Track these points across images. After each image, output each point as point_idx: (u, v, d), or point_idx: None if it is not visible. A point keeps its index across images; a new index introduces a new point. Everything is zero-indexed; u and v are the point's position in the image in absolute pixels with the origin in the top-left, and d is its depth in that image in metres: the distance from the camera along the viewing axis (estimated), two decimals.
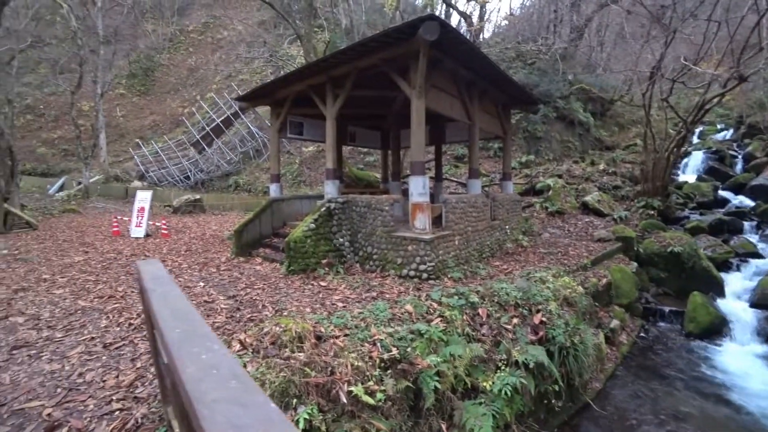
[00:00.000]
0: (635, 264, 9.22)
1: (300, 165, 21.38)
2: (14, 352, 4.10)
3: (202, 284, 6.23)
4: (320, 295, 5.69)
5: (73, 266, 7.62)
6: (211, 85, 33.50)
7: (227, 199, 19.11)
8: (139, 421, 2.98)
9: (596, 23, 24.55)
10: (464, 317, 4.80)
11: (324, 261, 7.15)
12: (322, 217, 7.37)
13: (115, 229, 11.19)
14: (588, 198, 12.60)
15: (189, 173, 22.44)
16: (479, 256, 7.72)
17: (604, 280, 7.75)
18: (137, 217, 10.98)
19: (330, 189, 7.98)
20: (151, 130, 31.41)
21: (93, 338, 4.33)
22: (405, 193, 11.07)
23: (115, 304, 5.39)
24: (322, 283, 6.33)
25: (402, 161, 13.39)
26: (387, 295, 5.55)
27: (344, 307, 5.09)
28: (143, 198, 11.24)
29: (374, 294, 5.67)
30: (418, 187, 6.39)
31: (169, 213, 16.14)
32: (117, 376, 3.56)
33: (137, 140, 27.85)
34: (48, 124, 32.01)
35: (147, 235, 10.80)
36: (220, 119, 24.79)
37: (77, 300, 5.62)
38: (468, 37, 15.85)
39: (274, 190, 9.74)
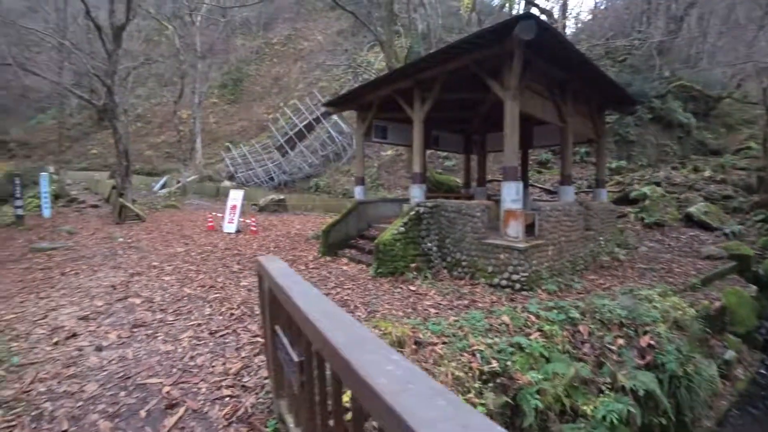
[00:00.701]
0: (754, 287, 8.08)
1: (378, 169, 21.63)
2: (134, 330, 4.48)
3: None
4: (410, 300, 5.61)
5: (176, 256, 8.25)
6: (294, 93, 35.05)
7: (308, 199, 19.83)
8: (249, 410, 3.06)
9: (698, 11, 22.03)
10: (564, 333, 4.45)
11: (412, 265, 7.08)
12: (411, 220, 7.32)
13: (210, 224, 12.01)
14: (693, 209, 11.34)
15: (273, 175, 23.61)
16: (573, 269, 7.20)
17: (717, 304, 6.86)
18: (230, 214, 11.70)
19: (416, 193, 7.92)
20: (239, 135, 33.55)
21: (199, 324, 4.59)
22: (489, 198, 10.72)
23: (216, 294, 5.70)
24: (411, 288, 6.25)
25: (486, 166, 13.02)
26: (479, 304, 5.34)
27: (437, 313, 4.97)
28: (235, 197, 11.95)
29: (466, 302, 5.49)
30: (511, 194, 6.09)
31: (255, 211, 17.06)
32: (224, 364, 3.72)
33: (227, 144, 29.92)
34: (154, 131, 35.56)
35: (238, 231, 11.46)
36: (303, 124, 25.82)
37: (183, 287, 6.04)
38: None
39: (358, 192, 9.87)
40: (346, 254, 8.53)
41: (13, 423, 2.89)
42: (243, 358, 3.84)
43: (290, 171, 23.98)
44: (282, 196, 18.60)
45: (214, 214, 12.76)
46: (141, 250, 8.92)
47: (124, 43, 15.99)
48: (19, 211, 13.49)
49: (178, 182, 22.89)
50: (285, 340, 2.08)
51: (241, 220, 11.87)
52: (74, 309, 5.15)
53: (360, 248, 8.62)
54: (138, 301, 5.41)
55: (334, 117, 25.13)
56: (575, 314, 4.74)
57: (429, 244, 7.39)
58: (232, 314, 4.90)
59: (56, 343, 4.16)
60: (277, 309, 2.37)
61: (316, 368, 1.60)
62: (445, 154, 19.67)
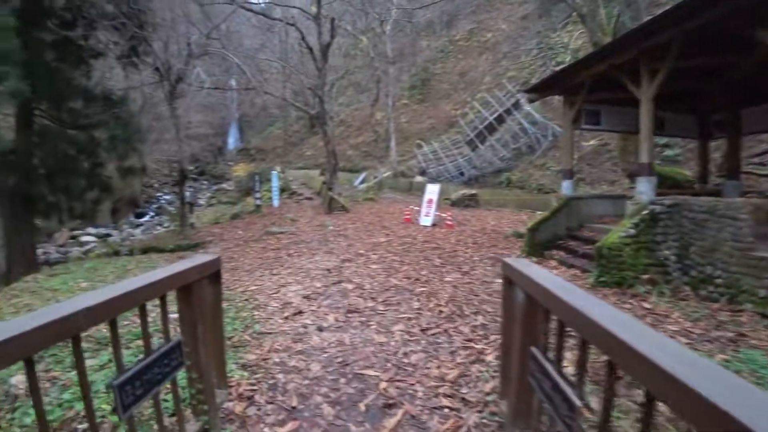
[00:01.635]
0: None
1: (578, 161, 19.22)
2: (349, 315, 4.46)
3: (499, 281, 5.72)
4: (647, 320, 4.34)
5: (379, 246, 8.45)
6: (481, 87, 34.21)
7: (500, 195, 18.86)
8: (472, 430, 2.52)
9: None
10: None
11: (644, 276, 5.62)
12: (644, 222, 5.84)
13: (407, 217, 12.24)
14: None
15: (463, 170, 23.34)
16: None
17: None
18: (426, 207, 11.69)
19: (645, 188, 6.30)
20: (429, 132, 34.45)
21: (409, 319, 4.31)
22: (745, 195, 8.12)
23: (422, 287, 5.43)
24: (645, 305, 4.90)
25: (738, 152, 9.98)
26: (752, 341, 3.76)
27: (689, 344, 3.66)
28: (432, 191, 11.89)
29: (730, 335, 3.95)
30: None
31: (447, 205, 16.95)
32: (439, 367, 3.30)
33: (418, 141, 31.05)
34: (354, 133, 39.43)
35: (433, 225, 11.36)
36: (493, 117, 24.86)
37: (389, 277, 5.97)
38: None
39: (566, 187, 8.60)
40: (554, 256, 7.42)
41: (255, 387, 3.02)
42: (458, 364, 3.35)
43: (480, 166, 23.35)
44: (474, 191, 18.09)
45: (411, 207, 12.99)
46: (348, 238, 9.51)
47: (329, 60, 18.02)
48: (258, 202, 16.22)
49: (375, 178, 24.65)
50: (552, 370, 1.43)
51: (437, 213, 11.76)
52: (299, 288, 5.54)
53: (571, 250, 7.40)
54: (350, 286, 5.52)
55: (527, 107, 23.50)
56: None
57: (666, 252, 5.76)
58: (440, 312, 4.51)
59: (286, 318, 4.43)
60: (535, 326, 1.74)
61: None
62: (664, 141, 16.17)
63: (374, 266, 6.65)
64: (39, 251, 18.25)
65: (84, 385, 1.45)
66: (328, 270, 6.47)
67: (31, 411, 2.68)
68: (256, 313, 4.63)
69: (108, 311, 1.54)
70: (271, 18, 18.22)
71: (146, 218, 26.07)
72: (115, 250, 9.58)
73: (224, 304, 4.89)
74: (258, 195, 16.17)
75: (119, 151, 11.89)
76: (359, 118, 40.97)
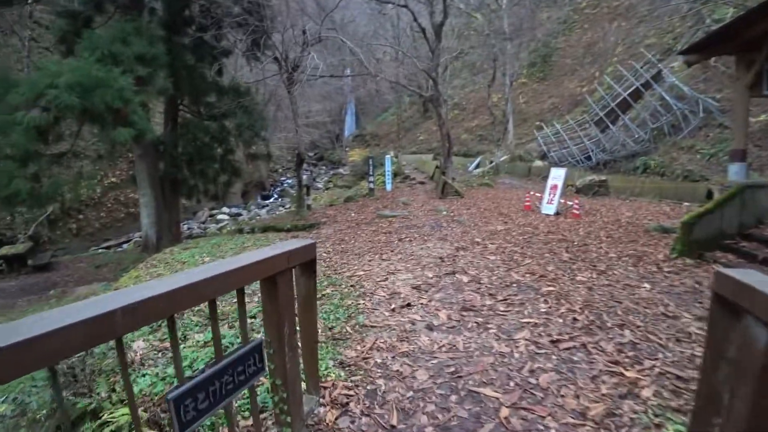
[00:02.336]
0: None
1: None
2: (464, 314, 3.95)
3: (647, 287, 4.70)
4: None
5: (497, 234, 7.74)
6: (611, 59, 30.37)
7: (635, 182, 16.42)
8: None
9: None
10: None
11: None
12: None
13: (527, 204, 11.20)
14: None
15: (590, 153, 20.90)
16: None
17: None
18: (549, 194, 10.53)
19: None
20: (550, 113, 31.77)
21: (536, 325, 3.65)
22: None
23: (549, 286, 4.67)
24: None
25: None
26: None
27: None
28: (557, 176, 10.66)
29: None
30: None
31: (571, 193, 15.29)
32: (577, 396, 2.63)
33: (537, 123, 28.76)
34: (468, 116, 38.13)
35: (557, 213, 10.19)
36: (627, 92, 21.72)
37: (509, 271, 5.31)
38: None
39: (736, 171, 6.93)
40: (718, 259, 5.96)
41: (351, 393, 2.69)
42: (604, 396, 2.63)
43: (611, 148, 20.65)
44: (603, 177, 16.02)
45: (531, 193, 11.89)
46: (462, 224, 8.93)
47: (442, 41, 17.32)
48: (371, 185, 16.39)
49: (491, 162, 23.38)
50: None
51: (561, 201, 10.52)
52: (408, 276, 5.19)
53: (745, 254, 5.87)
54: (465, 279, 5.00)
55: (671, 78, 20.08)
56: None
57: None
58: (574, 320, 3.75)
59: (393, 310, 4.10)
60: None
61: None
62: None
63: (492, 257, 6.02)
64: (184, 227, 21.03)
65: (129, 392, 1.22)
66: (441, 258, 6.02)
67: (140, 380, 2.73)
68: (361, 302, 4.38)
69: (168, 305, 1.27)
70: (383, 1, 18.06)
71: (271, 200, 28.53)
72: (240, 228, 10.36)
73: (329, 290, 4.85)
74: (371, 179, 16.33)
75: (245, 137, 12.96)
76: (474, 100, 39.51)
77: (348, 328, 3.71)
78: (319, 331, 3.62)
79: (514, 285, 4.72)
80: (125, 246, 17.52)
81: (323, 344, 3.38)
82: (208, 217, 22.57)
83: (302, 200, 13.07)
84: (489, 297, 4.36)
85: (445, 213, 10.65)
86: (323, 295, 4.58)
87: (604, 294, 4.39)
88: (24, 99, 7.34)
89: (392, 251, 6.68)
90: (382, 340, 3.44)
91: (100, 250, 17.27)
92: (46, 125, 7.41)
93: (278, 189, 31.31)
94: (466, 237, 7.51)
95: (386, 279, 5.10)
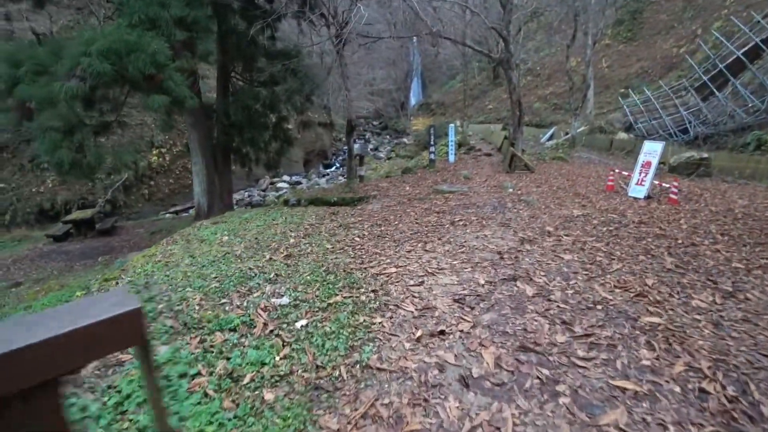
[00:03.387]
0: None
1: None
2: (520, 358, 2.64)
3: None
4: None
5: (573, 222, 6.20)
6: (720, 11, 25.50)
7: (746, 161, 13.47)
8: None
9: None
10: None
11: None
12: None
13: (610, 183, 9.30)
14: None
15: (687, 125, 17.67)
16: None
17: None
18: (640, 173, 8.56)
19: None
20: (637, 78, 27.78)
21: (636, 397, 2.25)
22: None
23: (651, 314, 3.20)
24: None
25: None
26: None
27: None
28: (651, 151, 8.62)
29: None
30: None
31: (663, 171, 12.86)
32: None
33: (622, 90, 25.19)
34: (542, 83, 34.67)
35: (648, 197, 8.27)
36: (742, 50, 17.86)
37: (592, 281, 3.90)
38: None
39: None
40: None
41: None
42: None
43: (714, 120, 17.30)
44: (705, 155, 13.28)
45: (617, 171, 9.92)
46: (531, 205, 7.43)
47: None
48: (432, 156, 15.00)
49: (566, 134, 20.79)
50: None
51: (656, 182, 8.55)
52: (452, 280, 3.96)
53: None
54: (529, 291, 3.67)
55: None
56: None
57: None
58: (701, 390, 2.29)
59: (418, 340, 2.88)
60: None
61: None
62: None
63: (567, 257, 4.59)
64: (245, 194, 21.12)
65: None
66: (500, 254, 4.70)
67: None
68: (377, 319, 3.18)
69: None
70: None
71: (332, 169, 27.96)
72: (286, 199, 9.60)
73: (341, 296, 3.61)
74: (432, 149, 14.90)
75: (295, 103, 12.06)
76: (549, 65, 35.81)
77: (342, 370, 2.56)
78: (299, 370, 2.57)
79: (599, 307, 3.33)
80: (191, 211, 17.93)
81: (294, 398, 2.31)
82: (269, 185, 22.52)
83: (352, 171, 12.08)
84: (562, 327, 3.02)
85: (511, 190, 9.12)
86: (329, 305, 3.49)
87: (742, 338, 2.84)
88: (65, 69, 6.93)
89: (440, 239, 5.45)
90: (385, 401, 2.25)
91: (167, 215, 17.78)
92: (83, 95, 6.96)
93: (341, 158, 30.76)
94: (535, 224, 6.05)
95: (422, 282, 3.90)
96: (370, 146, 33.75)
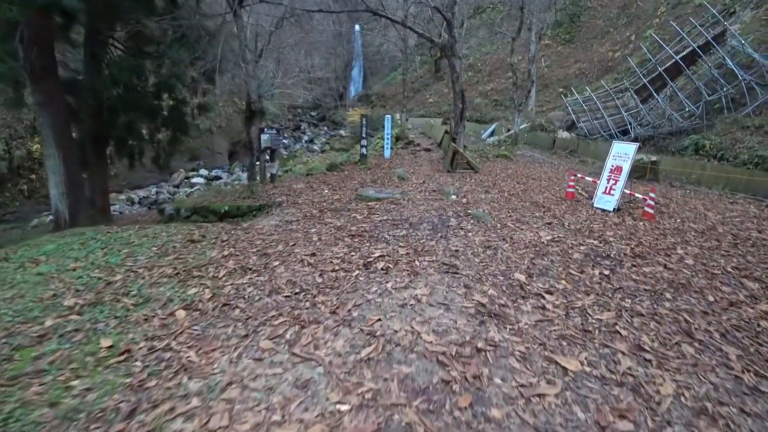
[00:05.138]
0: None
1: None
2: None
3: None
4: None
5: (548, 257, 4.08)
6: (651, 21, 25.65)
7: (690, 166, 12.48)
8: None
9: None
10: None
11: None
12: None
13: (570, 190, 7.46)
14: None
15: (628, 126, 16.78)
16: None
17: None
18: (608, 179, 6.75)
19: None
20: (576, 79, 27.39)
21: None
22: None
23: None
24: None
25: None
26: None
27: None
28: (622, 153, 6.80)
29: None
30: None
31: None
32: None
33: (561, 89, 24.46)
34: (484, 79, 33.53)
35: (616, 210, 6.49)
36: (679, 56, 17.28)
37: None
38: None
39: None
40: None
41: None
42: None
43: (654, 122, 16.54)
44: (654, 158, 12.10)
45: (580, 176, 8.14)
46: (483, 223, 5.27)
47: None
48: (363, 150, 12.63)
49: (508, 131, 19.31)
50: None
51: (628, 192, 6.79)
52: None
53: None
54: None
55: (731, 42, 15.79)
56: None
57: None
58: None
59: None
60: None
61: None
62: None
63: (564, 343, 2.42)
64: (153, 191, 17.47)
65: None
66: (443, 365, 2.32)
67: None
68: None
69: None
70: None
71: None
72: (161, 209, 6.78)
73: None
74: (364, 143, 12.51)
75: (184, 79, 8.88)
76: (491, 62, 34.76)
77: None
78: None
79: None
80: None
81: None
82: (183, 180, 18.90)
83: (253, 170, 9.32)
84: None
85: (454, 198, 6.95)
86: None
87: None
88: None
89: (333, 314, 2.92)
90: None
91: (49, 218, 13.88)
92: None
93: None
94: (495, 264, 3.84)
95: None
96: (306, 137, 30.66)
